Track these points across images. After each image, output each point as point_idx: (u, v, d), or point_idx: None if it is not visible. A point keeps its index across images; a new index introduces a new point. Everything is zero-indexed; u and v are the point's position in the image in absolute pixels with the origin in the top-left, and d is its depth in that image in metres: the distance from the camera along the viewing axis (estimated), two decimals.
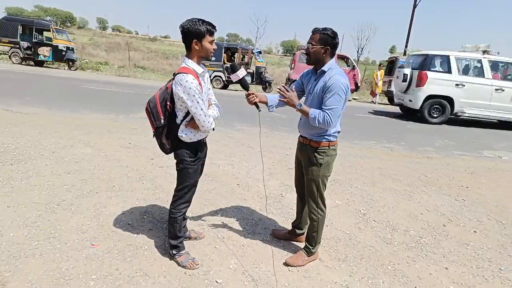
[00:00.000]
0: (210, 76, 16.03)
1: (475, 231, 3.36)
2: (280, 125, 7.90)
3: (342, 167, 5.03)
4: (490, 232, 3.36)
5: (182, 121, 2.19)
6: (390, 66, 16.36)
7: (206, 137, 2.39)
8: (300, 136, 2.54)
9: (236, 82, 2.42)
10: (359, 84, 16.57)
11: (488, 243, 3.14)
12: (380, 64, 17.25)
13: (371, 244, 2.96)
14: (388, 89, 15.80)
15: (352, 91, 16.60)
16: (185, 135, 2.20)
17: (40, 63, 18.47)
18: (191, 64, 2.13)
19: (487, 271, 2.69)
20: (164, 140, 2.22)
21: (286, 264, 2.52)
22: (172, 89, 2.11)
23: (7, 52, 17.69)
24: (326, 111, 2.18)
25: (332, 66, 2.28)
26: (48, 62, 18.78)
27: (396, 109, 14.02)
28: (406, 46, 23.48)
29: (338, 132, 2.42)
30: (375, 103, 16.27)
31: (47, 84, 11.51)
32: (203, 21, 2.07)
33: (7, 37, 17.25)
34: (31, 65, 18.17)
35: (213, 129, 2.31)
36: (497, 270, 2.72)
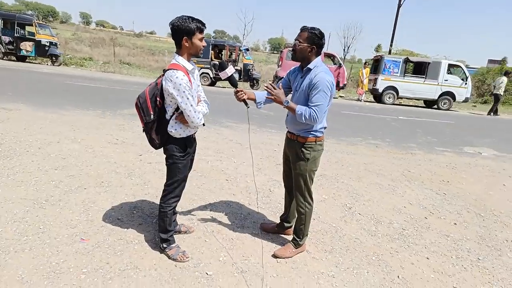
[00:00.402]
0: None
1: (455, 223, 3.50)
2: (268, 121, 7.97)
3: (329, 162, 5.14)
4: (469, 224, 3.51)
5: (171, 116, 2.23)
6: (376, 65, 16.66)
7: (195, 133, 2.43)
8: (288, 132, 2.61)
9: (225, 80, 2.46)
10: (345, 82, 16.78)
11: (467, 234, 3.29)
12: (365, 63, 17.47)
13: (356, 236, 3.06)
14: (374, 87, 16.11)
15: (338, 89, 16.82)
16: (175, 130, 2.24)
17: (22, 58, 18.03)
18: (181, 60, 2.16)
19: (466, 260, 2.83)
20: (153, 135, 2.25)
21: (274, 256, 2.59)
22: (162, 85, 2.14)
23: None
24: (312, 107, 2.25)
25: (317, 64, 2.35)
26: (31, 57, 18.33)
27: (383, 107, 14.30)
28: (391, 45, 23.95)
29: (325, 128, 2.49)
30: (360, 100, 16.51)
31: (30, 79, 11.27)
32: (193, 19, 2.10)
33: None
34: (13, 60, 17.72)
35: (204, 125, 2.35)
36: (476, 259, 2.85)
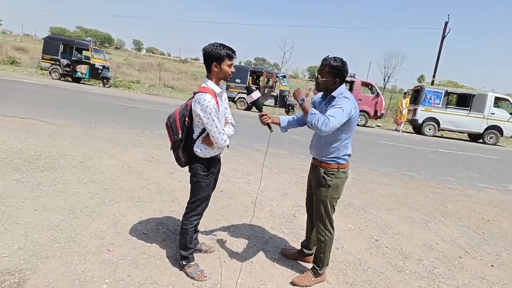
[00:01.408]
0: (234, 98, 16.73)
1: (492, 265, 3.25)
2: (298, 147, 7.97)
3: (358, 192, 5.00)
4: (508, 267, 3.24)
5: (198, 136, 2.33)
6: (416, 95, 16.22)
7: (220, 154, 2.51)
8: (312, 157, 2.61)
9: (251, 103, 2.55)
10: (382, 112, 16.45)
11: (505, 278, 3.03)
12: (405, 93, 17.10)
13: (381, 270, 2.92)
14: (413, 117, 15.62)
15: (375, 118, 16.50)
16: (200, 150, 2.34)
17: (77, 80, 19.60)
18: (210, 84, 2.29)
19: None
20: (180, 153, 2.37)
21: (292, 283, 2.55)
22: (191, 106, 2.27)
23: (48, 68, 18.98)
24: (327, 115, 2.18)
25: (342, 91, 2.35)
26: (85, 79, 19.91)
27: (422, 138, 13.77)
28: (433, 76, 23.29)
29: (349, 155, 2.47)
30: (399, 131, 16.03)
31: (81, 99, 12.20)
32: (224, 46, 2.24)
33: (49, 54, 18.58)
34: (69, 81, 19.31)
35: (228, 147, 2.43)
36: None
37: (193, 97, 2.29)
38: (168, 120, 2.36)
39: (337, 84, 2.35)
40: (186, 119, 2.30)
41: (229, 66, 2.27)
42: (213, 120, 2.21)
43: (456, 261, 3.26)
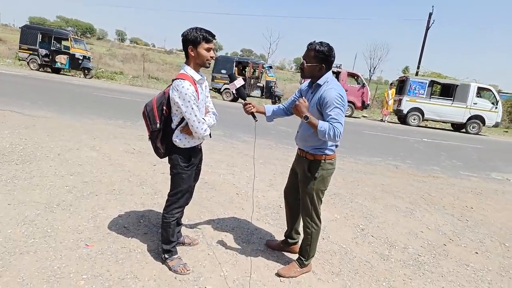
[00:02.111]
0: (220, 89, 16.51)
1: (476, 252, 3.28)
2: (284, 138, 7.92)
3: (344, 181, 4.99)
4: (492, 254, 3.27)
5: (177, 126, 2.22)
6: (401, 86, 16.37)
7: (201, 143, 2.41)
8: (298, 148, 2.54)
9: (234, 92, 2.44)
10: (368, 103, 16.55)
11: (489, 265, 3.06)
12: (391, 83, 17.23)
13: (367, 259, 2.91)
14: (398, 107, 15.78)
15: (361, 108, 16.60)
16: (179, 140, 2.23)
17: (57, 70, 19.01)
18: (189, 70, 2.17)
19: None
20: (158, 144, 2.25)
21: (278, 274, 2.49)
22: (169, 94, 2.15)
23: (26, 58, 18.31)
24: (334, 124, 2.10)
25: (328, 79, 2.25)
26: (65, 70, 19.32)
27: (407, 128, 13.94)
28: (418, 67, 23.54)
29: (336, 146, 2.40)
30: (384, 121, 16.19)
31: (61, 90, 11.82)
32: (201, 29, 2.11)
33: (26, 44, 17.92)
34: (48, 72, 18.71)
35: (210, 136, 2.32)
36: None
37: (171, 84, 2.17)
38: (145, 109, 2.24)
39: (323, 71, 2.25)
40: (164, 107, 2.18)
41: (207, 50, 2.13)
42: (192, 109, 2.09)
43: (440, 249, 3.27)
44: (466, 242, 3.48)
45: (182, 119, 2.20)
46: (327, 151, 2.34)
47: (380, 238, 3.34)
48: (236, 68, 17.05)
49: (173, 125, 2.23)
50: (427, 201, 4.62)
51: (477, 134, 15.22)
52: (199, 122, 2.15)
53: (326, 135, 2.10)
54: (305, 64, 2.26)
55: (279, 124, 9.17)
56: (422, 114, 15.48)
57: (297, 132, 2.51)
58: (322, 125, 2.12)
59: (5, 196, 3.12)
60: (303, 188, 2.42)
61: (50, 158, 4.28)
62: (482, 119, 15.16)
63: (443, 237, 3.54)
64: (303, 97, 2.38)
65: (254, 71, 17.95)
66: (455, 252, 3.25)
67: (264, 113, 2.55)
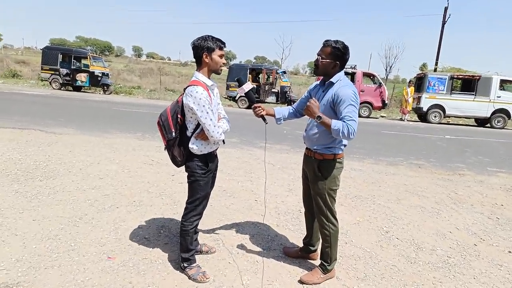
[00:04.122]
0: (235, 97, 16.60)
1: (509, 251, 3.11)
2: (301, 142, 7.82)
3: (365, 183, 4.87)
4: None
5: (192, 133, 2.23)
6: (419, 83, 15.98)
7: (216, 149, 2.41)
8: (306, 148, 2.50)
9: (244, 96, 2.45)
10: (386, 102, 16.23)
11: None
12: (410, 81, 16.86)
13: (394, 263, 2.80)
14: (418, 105, 15.40)
15: (379, 108, 16.30)
16: (196, 147, 2.23)
17: (78, 88, 19.65)
18: (201, 77, 2.19)
19: None
20: (175, 152, 2.26)
21: (301, 281, 2.43)
22: (182, 102, 2.17)
23: (48, 78, 19.02)
24: (348, 121, 2.09)
25: (340, 78, 2.25)
26: (85, 87, 19.95)
27: (428, 126, 13.57)
28: (436, 64, 22.93)
29: (344, 145, 2.36)
30: (404, 120, 15.81)
31: (81, 107, 12.18)
32: (213, 37, 2.17)
33: (48, 65, 18.63)
34: (70, 90, 19.36)
35: (224, 142, 2.32)
36: None
37: (183, 93, 2.19)
38: (159, 119, 2.26)
39: (337, 68, 2.24)
40: (179, 116, 2.20)
41: (220, 56, 2.19)
42: (207, 113, 2.11)
43: (471, 249, 3.12)
44: (498, 241, 3.31)
45: (197, 125, 2.21)
46: (336, 150, 2.31)
47: (406, 240, 3.22)
48: (250, 75, 17.14)
49: (188, 133, 2.24)
50: (454, 200, 4.43)
51: (502, 128, 14.64)
52: (214, 126, 2.16)
53: (341, 134, 2.09)
54: (320, 61, 2.24)
55: (296, 128, 9.11)
56: (443, 110, 15.03)
57: (305, 131, 2.48)
58: (335, 123, 2.11)
59: (30, 212, 3.21)
60: (315, 188, 2.38)
61: (73, 173, 4.39)
62: (507, 113, 14.59)
63: (473, 237, 3.38)
64: (313, 98, 2.35)
65: (268, 77, 17.98)
66: (487, 252, 3.09)
67: (274, 115, 2.54)
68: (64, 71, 18.70)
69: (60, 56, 18.65)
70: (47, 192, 3.72)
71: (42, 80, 20.74)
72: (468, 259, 2.94)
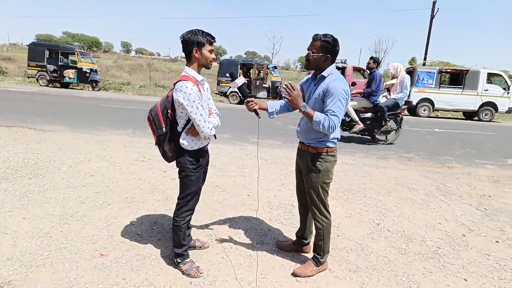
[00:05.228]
0: (226, 93, 16.54)
1: (497, 241, 3.18)
2: (293, 137, 7.86)
3: (356, 177, 4.93)
4: None
5: (183, 129, 2.22)
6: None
7: (207, 144, 2.41)
8: (299, 142, 2.52)
9: (236, 90, 2.45)
10: None
11: (511, 253, 2.96)
12: None
13: (385, 254, 2.85)
14: (407, 99, 15.52)
15: None
16: (187, 142, 2.23)
17: (65, 85, 19.28)
18: (191, 72, 2.18)
19: (510, 282, 2.53)
20: (166, 148, 2.25)
21: (294, 274, 2.46)
22: (172, 97, 2.15)
23: (35, 75, 18.65)
24: (330, 116, 2.14)
25: (332, 71, 2.26)
26: (73, 84, 19.57)
27: (417, 119, 13.72)
28: (425, 58, 23.17)
29: (338, 139, 2.38)
30: None
31: (70, 104, 11.99)
32: (203, 32, 2.15)
33: (34, 61, 18.25)
34: (57, 87, 19.01)
35: (215, 137, 2.32)
36: None
37: (173, 88, 2.18)
38: (149, 114, 2.24)
39: (328, 62, 2.25)
40: (169, 111, 2.19)
41: (210, 51, 2.18)
42: (197, 108, 2.10)
43: (460, 240, 3.19)
44: (486, 231, 3.38)
45: (188, 121, 2.20)
46: (329, 144, 2.33)
47: (396, 232, 3.27)
48: (240, 71, 17.07)
49: (179, 128, 2.23)
50: (443, 191, 4.52)
51: (490, 121, 14.91)
52: (205, 121, 2.16)
53: (320, 126, 2.14)
54: (311, 55, 2.25)
55: (287, 123, 9.14)
56: (432, 104, 15.22)
57: (299, 124, 2.50)
58: (317, 116, 2.16)
59: (20, 211, 3.16)
60: (308, 182, 2.40)
61: (62, 170, 4.33)
62: (494, 106, 14.85)
63: (462, 228, 3.45)
64: (304, 92, 2.42)
65: (259, 72, 17.96)
66: (475, 242, 3.16)
67: (266, 109, 2.54)
68: (51, 67, 18.33)
69: (47, 52, 18.27)
70: (37, 190, 3.67)
71: (28, 77, 20.26)
72: (457, 249, 3.01)
